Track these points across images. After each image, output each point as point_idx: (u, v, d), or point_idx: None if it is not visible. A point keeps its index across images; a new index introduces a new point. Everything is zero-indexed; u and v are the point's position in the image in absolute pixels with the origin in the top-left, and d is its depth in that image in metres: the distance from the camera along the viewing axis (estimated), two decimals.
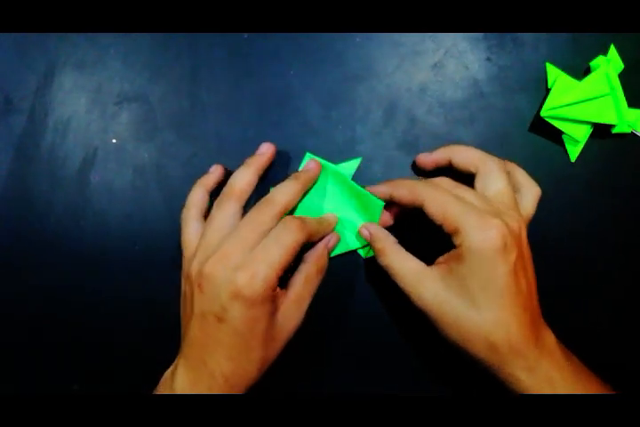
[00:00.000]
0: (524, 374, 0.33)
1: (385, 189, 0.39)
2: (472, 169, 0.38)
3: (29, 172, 0.44)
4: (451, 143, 0.40)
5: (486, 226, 0.33)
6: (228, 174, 0.40)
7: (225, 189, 0.38)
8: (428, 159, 0.41)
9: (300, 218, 0.36)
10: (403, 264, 0.36)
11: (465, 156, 0.38)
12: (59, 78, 0.44)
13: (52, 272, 0.43)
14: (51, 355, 0.43)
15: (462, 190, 0.36)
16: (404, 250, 0.37)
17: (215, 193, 0.39)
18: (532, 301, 0.35)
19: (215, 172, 0.41)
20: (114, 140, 0.44)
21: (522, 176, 0.40)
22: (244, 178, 0.38)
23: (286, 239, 0.34)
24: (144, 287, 0.43)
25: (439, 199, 0.35)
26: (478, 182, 0.37)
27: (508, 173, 0.38)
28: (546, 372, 0.33)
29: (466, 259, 0.33)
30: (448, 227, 0.34)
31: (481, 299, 0.33)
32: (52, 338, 0.43)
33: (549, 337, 0.35)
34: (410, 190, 0.36)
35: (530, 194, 0.39)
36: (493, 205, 0.35)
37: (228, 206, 0.37)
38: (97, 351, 0.43)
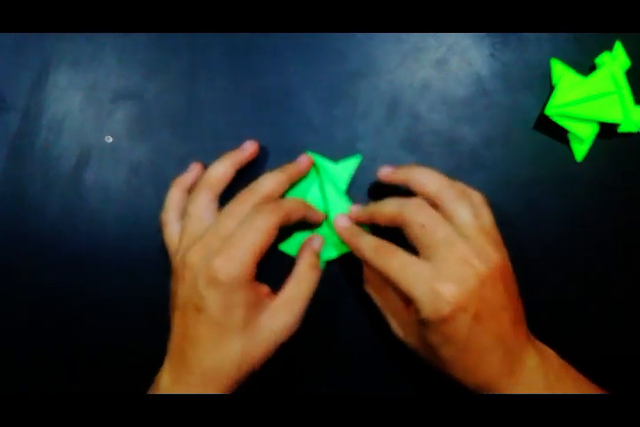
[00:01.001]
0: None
1: (347, 241, 0.38)
2: (432, 198, 0.36)
3: (24, 170, 0.43)
4: (413, 164, 0.38)
5: (435, 298, 0.32)
6: None
7: (198, 181, 0.39)
8: (386, 179, 0.38)
9: (274, 201, 0.36)
10: (383, 301, 0.37)
11: (422, 184, 0.36)
12: (53, 76, 0.43)
13: (47, 271, 0.43)
14: (48, 355, 0.43)
15: None
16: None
17: None
18: (505, 339, 0.33)
19: (193, 170, 0.41)
20: (109, 139, 0.43)
21: (461, 187, 0.37)
22: (219, 169, 0.38)
23: (260, 223, 0.34)
24: (140, 286, 0.43)
25: (391, 264, 0.34)
26: (441, 213, 0.35)
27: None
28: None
29: (423, 323, 0.33)
30: (402, 293, 0.33)
31: (444, 354, 0.33)
32: (51, 338, 0.43)
33: (530, 361, 0.34)
34: (363, 254, 0.35)
35: (478, 207, 0.36)
36: (453, 252, 0.33)
37: (201, 196, 0.37)
38: (94, 351, 0.43)
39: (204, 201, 0.37)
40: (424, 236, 0.33)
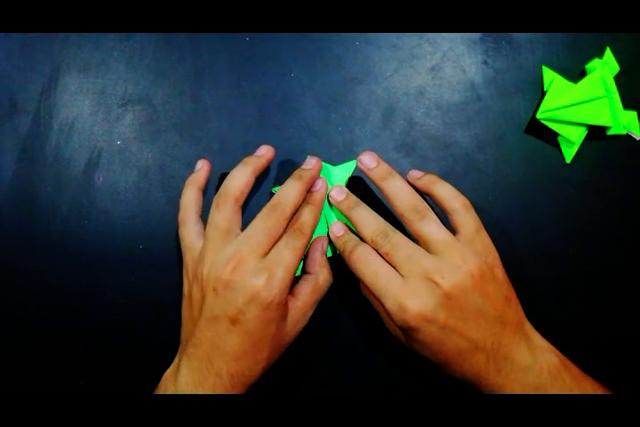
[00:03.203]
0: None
1: (338, 248, 0.40)
2: (398, 214, 0.38)
3: (34, 173, 0.44)
4: (392, 175, 0.38)
5: (402, 311, 0.34)
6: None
7: (222, 190, 0.38)
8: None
9: (298, 228, 0.38)
10: (377, 306, 0.38)
11: (392, 199, 0.38)
12: (63, 81, 0.45)
13: (57, 272, 0.44)
14: (56, 353, 0.44)
15: (397, 249, 0.36)
16: None
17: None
18: (486, 340, 0.34)
19: (202, 168, 0.41)
20: (118, 142, 0.44)
21: (445, 192, 0.38)
22: (242, 179, 0.38)
23: (296, 244, 0.36)
24: (148, 288, 0.43)
25: (366, 273, 0.36)
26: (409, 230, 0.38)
27: (433, 195, 0.38)
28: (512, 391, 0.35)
29: (399, 328, 0.35)
30: (376, 300, 0.36)
31: (425, 354, 0.36)
32: (57, 337, 0.44)
33: (521, 359, 0.35)
34: (345, 259, 0.38)
35: (460, 212, 0.37)
36: (417, 269, 0.35)
37: (228, 208, 0.37)
38: (100, 350, 0.43)
39: (231, 214, 0.37)
40: (391, 259, 0.36)
